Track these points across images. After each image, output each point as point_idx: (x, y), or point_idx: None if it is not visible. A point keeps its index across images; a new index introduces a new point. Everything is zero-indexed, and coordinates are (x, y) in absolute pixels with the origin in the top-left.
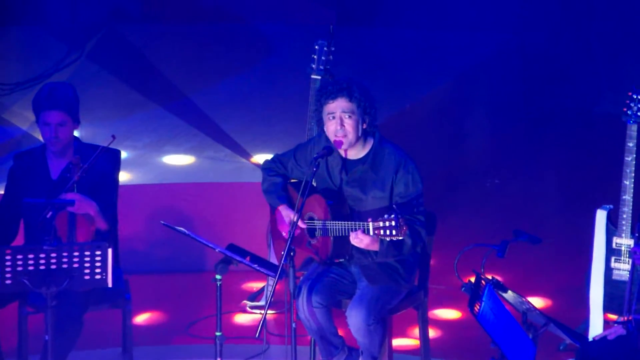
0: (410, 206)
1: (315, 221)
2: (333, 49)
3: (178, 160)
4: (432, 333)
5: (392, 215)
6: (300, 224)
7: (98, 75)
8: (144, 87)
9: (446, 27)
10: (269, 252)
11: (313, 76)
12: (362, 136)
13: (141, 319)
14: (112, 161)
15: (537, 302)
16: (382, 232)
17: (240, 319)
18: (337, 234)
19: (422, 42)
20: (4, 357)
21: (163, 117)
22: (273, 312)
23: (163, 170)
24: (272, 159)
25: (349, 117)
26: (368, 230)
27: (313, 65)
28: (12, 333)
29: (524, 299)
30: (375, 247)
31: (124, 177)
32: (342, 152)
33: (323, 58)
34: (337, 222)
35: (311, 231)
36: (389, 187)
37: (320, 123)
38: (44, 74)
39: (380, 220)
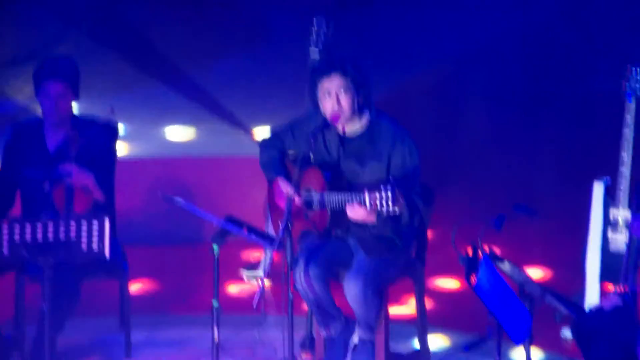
0: (407, 178)
1: (312, 193)
2: (332, 23)
3: (178, 133)
4: (430, 303)
5: (388, 187)
6: (296, 200)
7: (96, 51)
8: (144, 64)
9: (446, 7)
10: (267, 224)
11: (312, 50)
12: (358, 111)
13: (139, 289)
14: (110, 134)
15: (535, 273)
16: (378, 203)
17: (237, 289)
18: (334, 206)
19: (422, 22)
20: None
21: (163, 93)
22: (270, 282)
23: (162, 144)
24: (269, 135)
25: (345, 93)
26: (364, 201)
27: (312, 39)
28: (9, 303)
29: (520, 270)
30: (372, 219)
31: (123, 150)
32: (339, 127)
33: (322, 32)
34: (333, 193)
35: (308, 203)
36: (386, 159)
37: (314, 102)
38: (41, 49)
39: (376, 191)
